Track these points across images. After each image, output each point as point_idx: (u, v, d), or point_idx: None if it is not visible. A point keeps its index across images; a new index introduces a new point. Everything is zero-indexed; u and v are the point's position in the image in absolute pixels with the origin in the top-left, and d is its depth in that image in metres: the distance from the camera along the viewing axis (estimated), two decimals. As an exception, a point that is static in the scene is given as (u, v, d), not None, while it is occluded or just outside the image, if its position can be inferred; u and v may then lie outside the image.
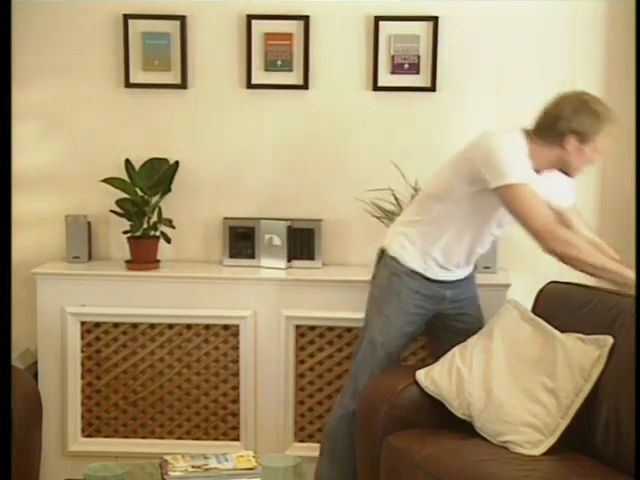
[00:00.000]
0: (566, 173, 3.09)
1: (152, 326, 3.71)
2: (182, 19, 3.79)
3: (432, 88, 3.78)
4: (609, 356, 2.80)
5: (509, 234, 3.36)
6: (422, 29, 3.75)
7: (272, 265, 3.79)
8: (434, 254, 3.14)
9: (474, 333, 3.13)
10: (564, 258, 2.94)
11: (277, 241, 3.78)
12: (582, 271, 2.98)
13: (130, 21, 3.79)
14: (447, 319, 3.27)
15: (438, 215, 3.11)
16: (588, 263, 2.93)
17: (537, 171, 3.04)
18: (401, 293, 3.16)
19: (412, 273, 3.16)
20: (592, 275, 2.99)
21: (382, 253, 3.24)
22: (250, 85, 3.83)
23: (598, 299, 2.99)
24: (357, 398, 3.16)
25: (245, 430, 3.72)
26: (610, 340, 2.81)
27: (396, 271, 3.17)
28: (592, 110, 2.97)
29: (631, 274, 2.93)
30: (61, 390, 3.71)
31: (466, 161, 3.05)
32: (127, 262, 3.77)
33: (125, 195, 3.72)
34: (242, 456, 2.79)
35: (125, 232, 3.77)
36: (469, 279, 3.29)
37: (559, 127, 2.99)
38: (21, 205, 3.78)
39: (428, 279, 3.17)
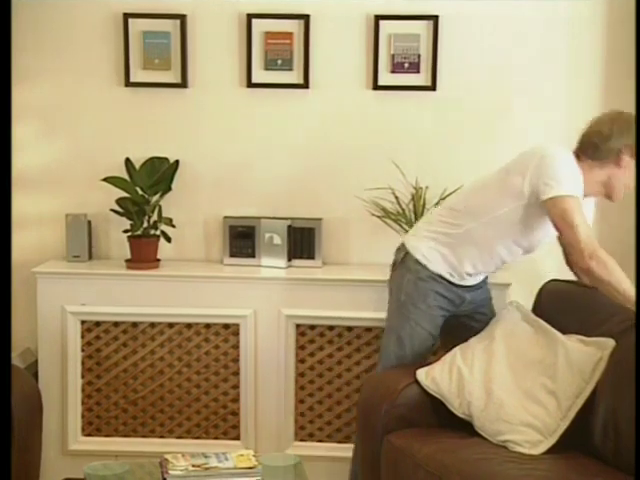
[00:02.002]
0: (608, 196, 3.05)
1: (152, 325, 3.71)
2: (182, 18, 3.79)
3: (432, 87, 3.78)
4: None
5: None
6: (422, 28, 3.75)
7: (272, 264, 3.78)
8: (466, 268, 3.13)
9: None
10: (595, 278, 2.88)
11: (277, 240, 3.78)
12: (603, 290, 2.90)
13: (130, 20, 3.79)
14: (463, 318, 3.26)
15: (472, 232, 3.08)
16: (616, 289, 2.85)
17: (584, 195, 2.99)
18: (427, 297, 3.14)
19: (437, 277, 3.13)
20: (608, 294, 2.91)
21: (405, 255, 3.18)
22: (250, 84, 3.82)
23: (598, 298, 2.99)
24: None
25: (245, 429, 3.72)
26: (612, 343, 2.81)
27: (421, 275, 3.14)
28: (632, 123, 2.96)
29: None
30: (61, 389, 3.71)
31: (517, 173, 2.99)
32: (127, 261, 3.77)
33: (125, 194, 3.72)
34: (242, 455, 2.79)
35: (125, 231, 3.78)
36: (485, 280, 3.29)
37: (612, 145, 2.95)
38: (21, 204, 3.79)
39: (452, 283, 3.16)
